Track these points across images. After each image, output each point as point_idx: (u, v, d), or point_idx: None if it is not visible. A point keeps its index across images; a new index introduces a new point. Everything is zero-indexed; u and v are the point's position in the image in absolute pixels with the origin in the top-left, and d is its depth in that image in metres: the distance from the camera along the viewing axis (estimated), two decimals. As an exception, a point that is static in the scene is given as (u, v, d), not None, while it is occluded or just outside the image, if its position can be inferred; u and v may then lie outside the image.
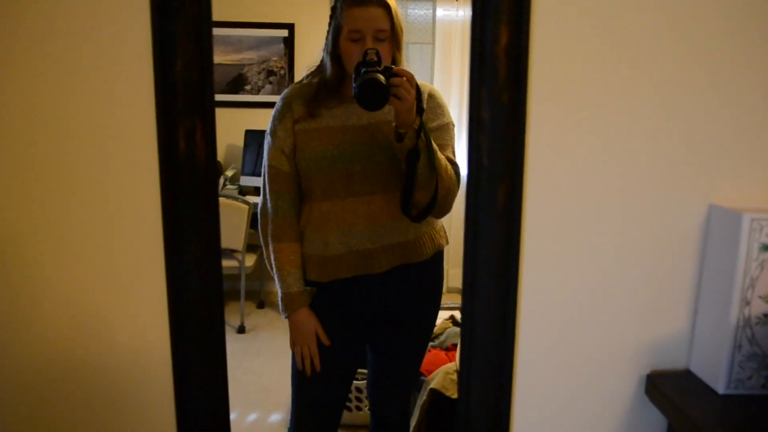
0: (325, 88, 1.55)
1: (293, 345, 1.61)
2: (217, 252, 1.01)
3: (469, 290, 1.00)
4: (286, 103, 1.57)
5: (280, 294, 1.59)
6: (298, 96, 1.57)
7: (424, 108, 1.45)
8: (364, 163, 1.50)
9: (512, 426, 1.06)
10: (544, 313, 1.03)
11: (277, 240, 1.59)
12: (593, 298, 1.03)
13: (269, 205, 1.59)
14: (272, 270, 1.62)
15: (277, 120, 1.58)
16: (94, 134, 0.98)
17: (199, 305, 1.02)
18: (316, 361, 1.60)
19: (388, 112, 1.46)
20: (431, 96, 1.58)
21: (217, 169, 1.00)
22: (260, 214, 1.63)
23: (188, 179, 0.98)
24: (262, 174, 1.61)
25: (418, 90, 1.40)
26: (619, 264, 1.02)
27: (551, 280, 1.02)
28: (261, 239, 1.64)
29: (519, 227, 0.97)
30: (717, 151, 0.99)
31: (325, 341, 1.59)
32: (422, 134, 1.42)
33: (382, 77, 1.33)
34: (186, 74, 0.94)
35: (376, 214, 1.53)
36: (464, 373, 1.03)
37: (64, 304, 1.03)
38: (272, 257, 1.60)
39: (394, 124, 1.44)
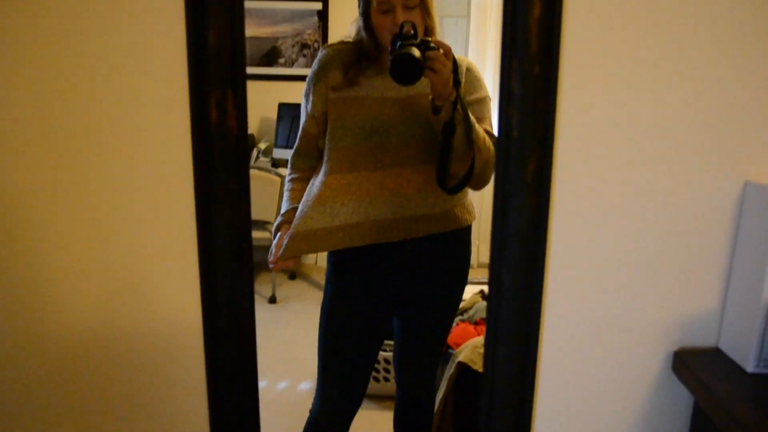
0: (363, 56, 1.55)
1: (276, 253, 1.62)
2: (247, 220, 1.02)
3: (496, 262, 1.00)
4: (322, 66, 1.57)
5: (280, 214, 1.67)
6: (336, 60, 1.56)
7: (461, 81, 1.44)
8: (400, 136, 1.50)
9: (537, 398, 1.07)
10: (572, 286, 1.03)
11: (291, 187, 1.69)
12: (622, 273, 1.03)
13: (292, 160, 1.70)
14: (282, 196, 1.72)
15: (312, 83, 1.59)
16: (127, 105, 0.99)
17: (229, 273, 1.04)
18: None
19: (426, 85, 1.45)
20: (469, 69, 1.57)
21: (248, 140, 1.01)
22: (288, 164, 1.73)
23: (220, 149, 0.99)
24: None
25: (454, 63, 1.40)
26: (650, 239, 1.01)
27: (580, 253, 1.02)
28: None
29: (548, 200, 0.97)
30: (754, 127, 0.97)
31: (293, 267, 1.63)
32: (459, 107, 1.42)
33: (417, 51, 1.33)
34: (218, 45, 0.95)
35: (402, 186, 1.53)
36: (490, 344, 1.04)
37: (98, 272, 1.06)
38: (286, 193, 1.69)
39: (430, 96, 1.44)
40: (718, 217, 1.00)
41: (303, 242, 1.55)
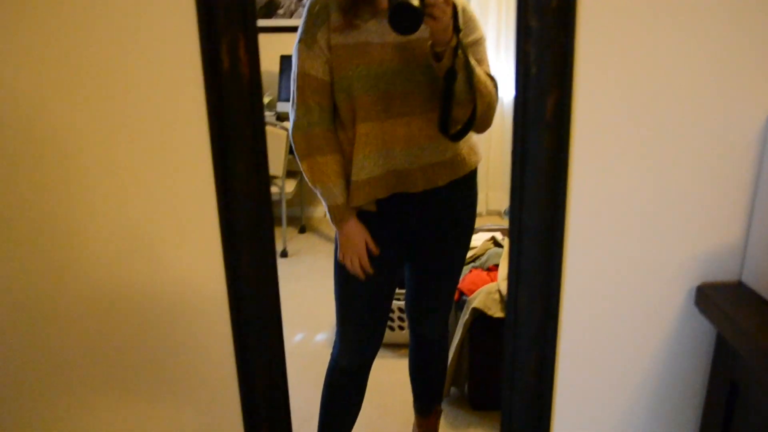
0: (356, 2, 1.49)
1: (343, 257, 1.62)
2: (264, 164, 1.01)
3: (517, 203, 1.00)
4: (323, 6, 1.50)
5: (326, 206, 1.58)
6: (333, 3, 1.50)
7: (461, 27, 1.41)
8: (404, 83, 1.48)
9: (560, 334, 1.08)
10: (594, 222, 1.03)
11: (321, 152, 1.54)
12: (644, 209, 1.02)
13: (313, 117, 1.53)
14: (314, 184, 1.57)
15: (313, 25, 1.50)
16: (138, 55, 0.97)
17: (248, 213, 1.03)
18: (368, 268, 1.61)
19: (426, 29, 1.42)
20: (464, 10, 1.53)
21: (261, 86, 1.00)
22: (295, 127, 1.55)
23: (233, 95, 0.98)
24: (295, 83, 1.53)
25: (454, 8, 1.37)
26: (672, 174, 1.00)
27: (601, 190, 1.01)
28: (297, 155, 1.57)
29: (568, 137, 0.95)
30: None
31: (375, 250, 1.60)
32: (460, 52, 1.40)
33: None
34: (227, -12, 0.93)
35: (414, 135, 1.52)
36: (512, 286, 1.04)
37: (119, 226, 1.06)
38: (314, 170, 1.55)
39: (430, 42, 1.42)
40: (740, 151, 0.99)
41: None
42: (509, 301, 1.05)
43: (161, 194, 1.04)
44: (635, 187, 1.01)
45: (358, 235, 1.59)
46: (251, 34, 0.95)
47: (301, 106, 1.53)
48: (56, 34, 0.95)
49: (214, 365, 1.14)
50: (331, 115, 1.55)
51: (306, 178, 1.59)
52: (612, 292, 1.06)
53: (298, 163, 1.58)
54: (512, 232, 1.01)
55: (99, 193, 1.04)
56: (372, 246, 1.60)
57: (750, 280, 1.02)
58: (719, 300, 0.98)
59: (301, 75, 1.52)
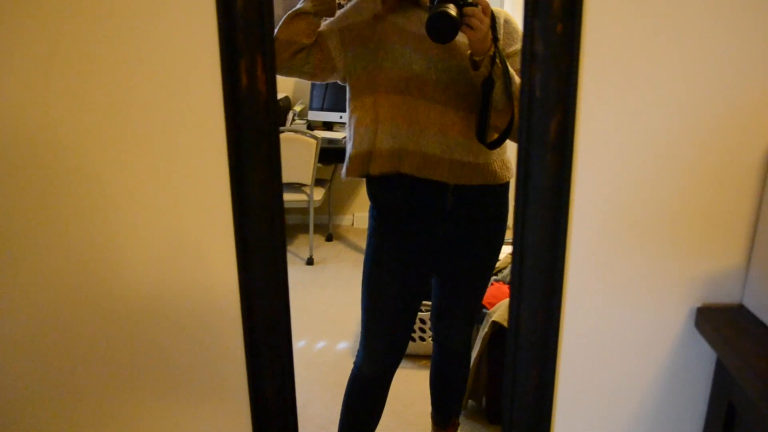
0: None
1: None
2: (278, 180, 1.05)
3: (520, 221, 1.02)
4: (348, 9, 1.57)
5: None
6: None
7: (499, 37, 1.45)
8: (440, 74, 1.52)
9: (560, 353, 1.09)
10: (595, 241, 1.04)
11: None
12: (646, 229, 1.03)
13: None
14: (283, 31, 1.54)
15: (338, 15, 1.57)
16: (162, 74, 1.02)
17: (263, 231, 1.07)
18: None
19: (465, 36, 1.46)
20: (507, 21, 1.57)
21: (277, 103, 1.04)
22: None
23: (251, 113, 1.02)
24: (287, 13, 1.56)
25: (492, 18, 1.40)
26: (675, 196, 1.02)
27: (603, 209, 1.03)
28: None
29: (571, 159, 0.98)
30: (781, 82, 0.96)
31: None
32: (498, 61, 1.43)
33: (453, 8, 1.34)
34: (246, 11, 0.97)
35: (448, 127, 1.54)
36: (514, 302, 1.06)
37: (139, 238, 1.10)
38: (280, 32, 1.54)
39: (469, 52, 1.45)
40: (744, 172, 1.00)
41: (364, 163, 1.60)
42: (511, 320, 1.07)
43: (179, 205, 1.09)
44: (637, 207, 1.02)
45: None
46: (269, 55, 0.99)
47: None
48: (81, 53, 1.01)
49: (225, 372, 1.18)
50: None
51: (280, 36, 1.55)
52: (613, 312, 1.08)
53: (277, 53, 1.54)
54: (515, 251, 1.04)
55: (120, 204, 1.08)
56: None
57: (750, 303, 1.03)
58: (718, 322, 0.99)
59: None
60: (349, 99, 1.64)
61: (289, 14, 1.53)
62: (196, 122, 1.04)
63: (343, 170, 1.66)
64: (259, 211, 1.06)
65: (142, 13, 0.99)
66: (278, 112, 1.06)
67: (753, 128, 0.98)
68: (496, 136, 1.57)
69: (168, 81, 1.02)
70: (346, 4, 1.59)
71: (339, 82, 1.65)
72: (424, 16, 1.45)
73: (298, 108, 4.20)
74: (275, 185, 1.05)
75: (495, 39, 1.43)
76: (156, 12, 0.99)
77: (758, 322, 0.99)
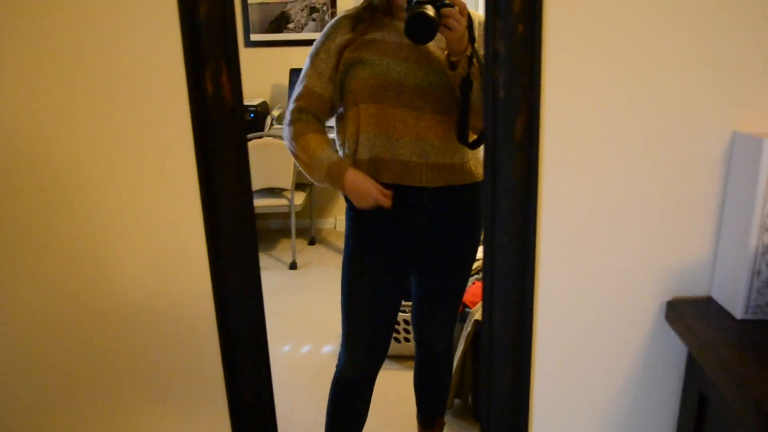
0: (374, 11, 1.57)
1: (359, 204, 1.61)
2: (248, 186, 1.06)
3: (490, 220, 1.03)
4: (333, 27, 1.60)
5: (324, 175, 1.60)
6: (347, 17, 1.59)
7: (475, 37, 1.46)
8: (417, 80, 1.53)
9: (535, 348, 1.10)
10: (565, 238, 1.05)
11: (302, 135, 1.60)
12: (615, 225, 1.04)
13: (295, 116, 1.61)
14: (305, 166, 1.62)
15: (321, 43, 1.60)
16: (127, 83, 1.02)
17: (234, 237, 1.08)
18: (387, 197, 1.59)
19: (441, 39, 1.48)
20: (481, 23, 1.58)
21: (243, 109, 1.04)
22: (288, 122, 1.63)
23: (217, 120, 1.02)
24: (296, 89, 1.63)
25: (469, 19, 1.42)
26: (642, 191, 1.03)
27: (571, 206, 1.04)
28: (289, 148, 1.65)
29: (537, 157, 0.98)
30: (742, 77, 0.97)
31: (387, 194, 1.59)
32: (475, 61, 1.44)
33: (431, 10, 1.35)
34: (209, 18, 0.97)
35: (424, 131, 1.56)
36: (487, 301, 1.07)
37: (110, 244, 1.10)
38: (302, 154, 1.60)
39: (446, 52, 1.47)
40: (708, 167, 1.01)
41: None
42: (484, 317, 1.08)
43: (150, 213, 1.08)
44: (605, 203, 1.03)
45: (364, 179, 1.58)
46: (233, 62, 1.00)
47: (290, 109, 1.63)
48: (46, 59, 1.00)
49: (204, 379, 1.18)
50: (318, 119, 1.63)
51: (300, 162, 1.64)
52: (585, 307, 1.09)
53: (292, 150, 1.64)
54: (486, 249, 1.04)
55: (90, 214, 1.08)
56: (381, 189, 1.59)
57: (717, 295, 1.04)
58: (687, 315, 1.00)
59: (302, 85, 1.61)
60: (340, 113, 1.68)
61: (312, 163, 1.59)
62: (163, 131, 1.04)
63: None
64: (230, 216, 1.06)
65: (104, 23, 0.99)
66: (243, 118, 1.06)
67: (715, 122, 0.99)
68: (475, 136, 1.58)
69: (133, 91, 1.02)
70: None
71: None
72: (400, 25, 1.46)
73: (276, 112, 4.19)
74: (245, 190, 1.05)
75: (471, 39, 1.45)
76: (118, 21, 0.99)
77: (726, 314, 1.00)
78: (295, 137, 1.61)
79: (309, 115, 1.61)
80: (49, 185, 1.06)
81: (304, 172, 1.65)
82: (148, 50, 1.00)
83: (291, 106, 1.63)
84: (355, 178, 1.57)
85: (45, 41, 1.00)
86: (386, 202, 1.58)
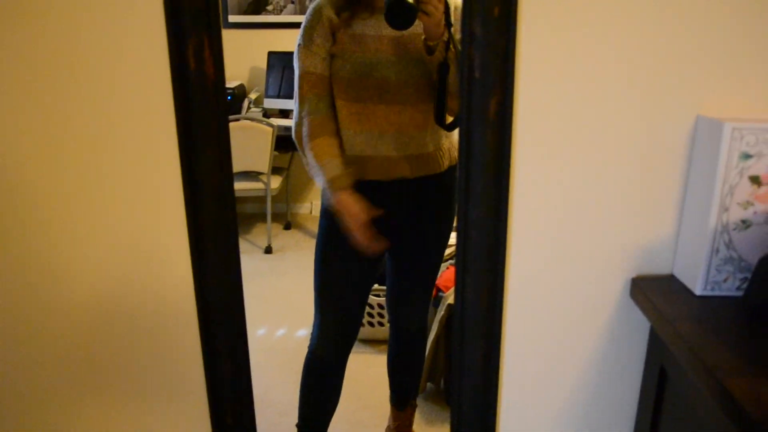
0: (354, 3, 1.58)
1: (345, 228, 1.62)
2: (228, 160, 1.07)
3: (464, 197, 1.06)
4: (317, 10, 1.59)
5: (324, 181, 1.60)
6: (329, 5, 1.59)
7: (452, 23, 1.49)
8: (398, 73, 1.56)
9: (505, 322, 1.14)
10: (535, 217, 1.09)
11: (315, 136, 1.60)
12: (582, 204, 1.08)
13: (308, 107, 1.60)
14: (311, 169, 1.63)
15: (312, 28, 1.59)
16: (110, 56, 1.03)
17: (214, 210, 1.09)
18: (369, 242, 1.61)
19: (420, 25, 1.50)
20: (457, 8, 1.61)
21: (224, 84, 1.06)
22: (296, 124, 1.63)
23: (199, 95, 1.04)
24: (297, 83, 1.62)
25: (446, 4, 1.45)
26: (609, 171, 1.07)
27: (541, 186, 1.07)
28: (298, 147, 1.65)
29: (510, 136, 1.02)
30: (705, 63, 1.01)
31: (375, 214, 1.59)
32: (452, 46, 1.47)
33: None
34: (192, -7, 0.99)
35: (404, 124, 1.60)
36: (459, 276, 1.10)
37: (88, 226, 1.11)
38: (311, 155, 1.61)
39: (423, 37, 1.49)
40: (672, 149, 1.05)
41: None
42: (457, 292, 1.11)
43: (131, 191, 1.10)
44: (574, 182, 1.07)
45: (356, 202, 1.59)
46: (215, 36, 1.01)
47: (300, 102, 1.62)
48: (29, 33, 1.01)
49: (182, 358, 1.19)
50: (328, 104, 1.62)
51: (303, 158, 1.64)
52: (553, 284, 1.12)
53: (304, 155, 1.63)
54: (459, 226, 1.07)
55: (70, 192, 1.09)
56: (373, 212, 1.59)
57: (679, 272, 1.08)
58: (650, 291, 1.04)
59: (301, 75, 1.61)
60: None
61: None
62: (144, 105, 1.05)
63: None
64: (210, 191, 1.08)
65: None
66: (225, 93, 1.07)
67: (680, 106, 1.03)
68: (451, 119, 1.62)
69: (114, 65, 1.03)
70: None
71: None
72: (379, 17, 1.48)
73: (253, 96, 4.17)
74: (225, 166, 1.07)
75: (448, 25, 1.48)
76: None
77: (685, 290, 1.05)
78: (311, 136, 1.60)
79: (325, 104, 1.61)
80: (26, 168, 1.07)
81: (305, 165, 1.65)
82: (130, 24, 1.01)
83: (305, 94, 1.61)
84: (347, 204, 1.59)
85: (25, 18, 1.00)
86: (361, 246, 1.60)
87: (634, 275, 1.11)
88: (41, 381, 1.18)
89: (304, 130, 1.61)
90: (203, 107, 1.04)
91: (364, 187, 1.64)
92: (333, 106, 1.63)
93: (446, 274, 2.53)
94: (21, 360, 1.16)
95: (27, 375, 1.18)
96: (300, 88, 1.61)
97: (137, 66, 1.03)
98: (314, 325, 1.81)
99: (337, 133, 1.63)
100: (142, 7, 1.00)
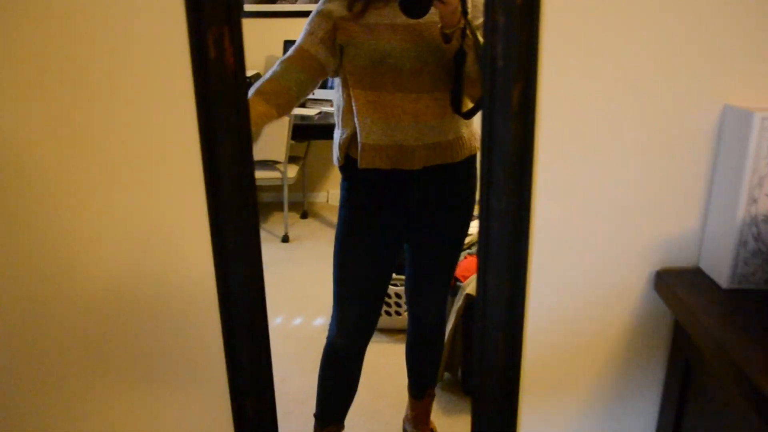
0: None
1: None
2: (249, 151, 1.07)
3: (486, 188, 1.05)
4: (323, 9, 1.59)
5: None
6: (337, 2, 1.59)
7: (468, 10, 1.48)
8: (413, 61, 1.55)
9: (527, 314, 1.13)
10: (558, 208, 1.07)
11: (256, 94, 1.55)
12: (606, 195, 1.07)
13: (275, 70, 1.59)
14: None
15: (318, 10, 1.60)
16: (130, 47, 1.02)
17: (234, 201, 1.08)
18: None
19: (434, 13, 1.49)
20: None
21: (245, 74, 1.05)
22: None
23: (219, 85, 1.03)
24: (293, 48, 1.62)
25: None
26: (633, 162, 1.05)
27: (565, 177, 1.06)
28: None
29: (533, 126, 1.00)
30: (732, 52, 0.99)
31: None
32: (469, 33, 1.46)
33: None
34: (213, -18, 0.98)
35: (421, 113, 1.59)
36: (481, 267, 1.09)
37: (109, 214, 1.11)
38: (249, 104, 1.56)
39: (440, 25, 1.48)
40: (699, 140, 1.03)
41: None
42: (479, 283, 1.10)
43: (151, 180, 1.09)
44: (598, 173, 1.05)
45: None
46: (236, 26, 1.00)
47: (277, 63, 1.60)
48: (46, 26, 1.00)
49: (203, 349, 1.19)
50: (296, 79, 1.58)
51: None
52: (576, 276, 1.11)
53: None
54: (481, 216, 1.06)
55: (93, 184, 1.08)
56: None
57: (705, 265, 1.07)
58: (675, 284, 1.03)
59: (299, 48, 1.60)
60: (335, 87, 1.68)
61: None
62: (165, 95, 1.05)
63: (334, 158, 1.72)
64: (230, 181, 1.08)
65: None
66: (245, 83, 1.07)
67: (706, 96, 1.01)
68: (471, 105, 1.61)
69: (135, 56, 1.02)
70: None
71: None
72: (395, 5, 1.47)
73: (270, 85, 4.17)
74: (246, 156, 1.07)
75: (464, 12, 1.47)
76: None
77: (713, 284, 1.03)
78: (254, 91, 1.56)
79: (293, 77, 1.58)
80: (51, 159, 1.07)
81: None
82: (151, 13, 1.01)
83: (284, 60, 1.60)
84: None
85: (44, 7, 1.00)
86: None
87: (658, 267, 1.10)
88: (59, 370, 1.19)
89: (258, 82, 1.58)
90: (224, 98, 1.03)
91: (381, 176, 1.64)
92: (299, 84, 1.59)
93: (464, 263, 2.53)
94: (38, 350, 1.17)
95: (45, 365, 1.18)
96: (288, 52, 1.61)
97: (157, 56, 1.03)
98: (333, 316, 1.81)
99: (282, 108, 1.58)
100: (162, -2, 1.00)
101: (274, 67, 1.59)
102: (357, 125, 1.62)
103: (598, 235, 1.09)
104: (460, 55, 1.51)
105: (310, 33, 1.59)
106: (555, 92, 1.01)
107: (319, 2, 1.62)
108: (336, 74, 1.66)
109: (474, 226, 2.79)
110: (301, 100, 1.64)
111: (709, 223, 1.05)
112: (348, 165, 1.69)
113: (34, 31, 1.00)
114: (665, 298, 1.05)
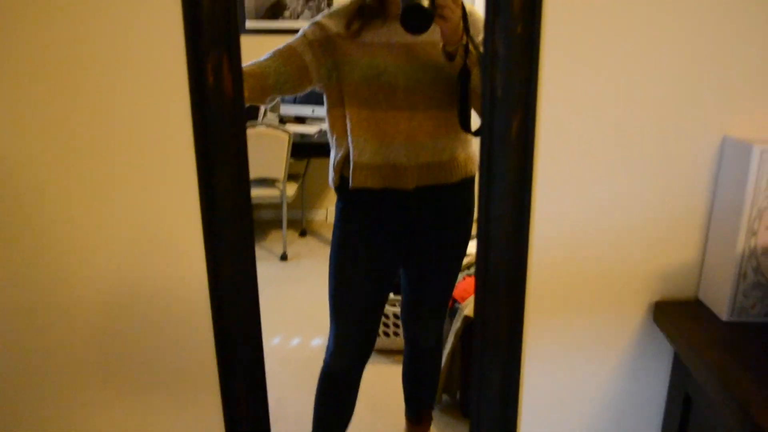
0: (365, 10, 1.57)
1: None
2: (246, 179, 1.06)
3: (484, 218, 1.04)
4: (327, 14, 1.60)
5: None
6: (336, 15, 1.59)
7: (469, 27, 1.48)
8: (408, 80, 1.54)
9: (525, 344, 1.12)
10: (557, 239, 1.07)
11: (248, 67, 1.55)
12: (605, 226, 1.06)
13: (264, 60, 1.58)
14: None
15: (313, 23, 1.59)
16: (128, 74, 1.02)
17: (231, 229, 1.08)
18: None
19: (431, 33, 1.49)
20: (470, 13, 1.59)
21: (243, 101, 1.04)
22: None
23: (217, 113, 1.02)
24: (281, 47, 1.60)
25: (463, 9, 1.43)
26: (633, 193, 1.05)
27: (564, 208, 1.05)
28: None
29: (532, 156, 1.00)
30: (732, 83, 0.99)
31: None
32: (472, 49, 1.46)
33: (426, 0, 1.36)
34: (212, 9, 0.98)
35: (415, 131, 1.57)
36: (479, 297, 1.08)
37: (106, 238, 1.10)
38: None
39: (442, 43, 1.48)
40: (698, 171, 1.03)
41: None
42: (476, 315, 1.09)
43: (148, 204, 1.09)
44: (596, 203, 1.05)
45: None
46: (234, 54, 1.00)
47: (268, 55, 1.59)
48: (47, 45, 1.00)
49: (196, 368, 1.18)
50: (279, 71, 1.57)
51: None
52: (575, 306, 1.10)
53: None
54: (480, 246, 1.06)
55: (90, 202, 1.08)
56: None
57: (704, 297, 1.06)
58: (674, 316, 1.02)
59: (287, 45, 1.59)
60: (327, 108, 1.66)
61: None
62: (163, 122, 1.04)
63: (330, 179, 1.70)
64: (227, 210, 1.07)
65: (107, 13, 0.99)
66: (244, 111, 1.06)
67: (705, 127, 1.01)
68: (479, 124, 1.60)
69: (134, 80, 1.02)
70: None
71: (317, 89, 1.66)
72: (391, 25, 1.47)
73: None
74: (243, 184, 1.06)
75: (466, 29, 1.46)
76: (120, 9, 0.99)
77: (711, 315, 1.02)
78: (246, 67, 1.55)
79: (271, 64, 1.57)
80: (47, 174, 1.06)
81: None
82: (150, 40, 1.00)
83: (273, 54, 1.59)
84: None
85: (45, 28, 1.00)
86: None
87: (657, 299, 1.09)
88: (53, 375, 1.17)
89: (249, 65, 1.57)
90: (221, 126, 1.03)
91: (374, 195, 1.63)
92: (280, 77, 1.57)
93: (463, 284, 2.51)
94: (30, 357, 1.16)
95: (39, 369, 1.17)
96: (278, 51, 1.60)
97: (155, 83, 1.02)
98: (330, 338, 1.80)
99: (254, 92, 1.57)
100: (161, 23, 1.00)
101: (264, 58, 1.58)
102: (350, 144, 1.61)
103: (597, 265, 1.08)
104: (464, 73, 1.50)
105: (302, 36, 1.59)
106: (554, 122, 1.01)
107: (318, 15, 1.62)
108: (322, 87, 1.64)
109: (472, 246, 2.79)
110: (276, 97, 1.62)
111: (708, 255, 1.05)
112: (342, 185, 1.68)
113: (40, 59, 1.00)
114: (665, 329, 1.04)
